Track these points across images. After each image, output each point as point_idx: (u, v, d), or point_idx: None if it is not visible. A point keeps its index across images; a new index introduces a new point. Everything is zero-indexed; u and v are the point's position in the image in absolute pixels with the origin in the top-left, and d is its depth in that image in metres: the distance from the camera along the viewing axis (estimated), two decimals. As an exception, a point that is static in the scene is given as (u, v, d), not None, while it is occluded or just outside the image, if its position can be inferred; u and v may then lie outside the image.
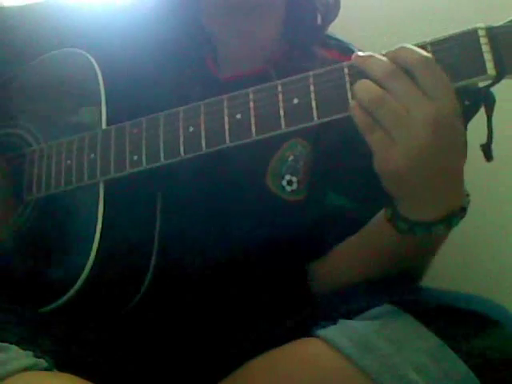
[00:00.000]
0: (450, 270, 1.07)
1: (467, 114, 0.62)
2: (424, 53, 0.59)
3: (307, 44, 0.85)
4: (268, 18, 0.84)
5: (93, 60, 0.79)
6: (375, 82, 0.59)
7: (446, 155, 0.61)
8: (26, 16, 0.88)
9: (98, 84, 0.78)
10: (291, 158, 0.81)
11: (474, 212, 1.03)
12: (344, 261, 0.80)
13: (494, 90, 0.60)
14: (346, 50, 0.86)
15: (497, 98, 0.61)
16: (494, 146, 0.63)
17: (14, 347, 0.64)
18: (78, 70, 0.80)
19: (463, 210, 0.67)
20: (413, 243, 0.70)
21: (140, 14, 0.86)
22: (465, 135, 0.63)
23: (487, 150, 0.62)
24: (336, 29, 0.89)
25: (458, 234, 1.04)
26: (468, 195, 0.68)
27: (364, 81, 0.60)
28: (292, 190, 0.81)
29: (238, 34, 0.83)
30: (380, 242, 0.74)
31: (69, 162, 0.77)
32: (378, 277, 0.76)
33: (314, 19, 0.86)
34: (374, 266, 0.77)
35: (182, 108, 0.71)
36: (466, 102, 0.61)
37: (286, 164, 0.81)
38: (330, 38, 0.89)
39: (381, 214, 0.72)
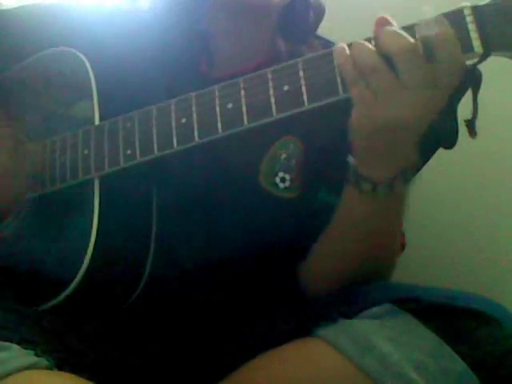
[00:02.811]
0: (449, 269, 1.08)
1: (456, 94, 0.63)
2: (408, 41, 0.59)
3: (299, 43, 0.86)
4: (265, 21, 0.84)
5: (84, 59, 0.79)
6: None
7: (423, 121, 0.62)
8: (22, 16, 0.88)
9: (90, 83, 0.78)
10: (284, 156, 0.81)
11: (474, 212, 1.03)
12: (323, 247, 0.80)
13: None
14: None
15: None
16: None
17: (15, 346, 0.64)
18: (70, 69, 0.81)
19: (416, 166, 0.69)
20: (377, 207, 0.71)
21: (136, 16, 0.87)
22: (455, 115, 0.64)
23: (471, 126, 0.63)
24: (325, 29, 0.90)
25: (458, 233, 1.05)
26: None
27: (365, 45, 0.61)
28: (285, 188, 0.81)
29: (234, 35, 0.84)
30: (349, 215, 0.74)
31: (63, 158, 0.78)
32: (356, 258, 0.76)
33: (307, 18, 0.87)
34: (349, 245, 0.76)
35: (173, 100, 0.71)
36: None
37: (279, 162, 0.81)
38: (319, 38, 0.89)
39: (346, 187, 0.72)
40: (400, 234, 0.80)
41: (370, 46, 0.61)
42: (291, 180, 0.81)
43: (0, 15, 0.89)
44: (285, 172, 0.81)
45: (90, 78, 0.78)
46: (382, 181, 0.68)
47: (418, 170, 0.71)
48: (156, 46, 0.82)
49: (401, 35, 0.59)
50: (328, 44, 0.86)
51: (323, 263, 0.80)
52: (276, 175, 0.81)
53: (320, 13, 0.87)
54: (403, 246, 0.84)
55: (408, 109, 0.60)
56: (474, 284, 0.94)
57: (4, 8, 0.89)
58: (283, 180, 0.81)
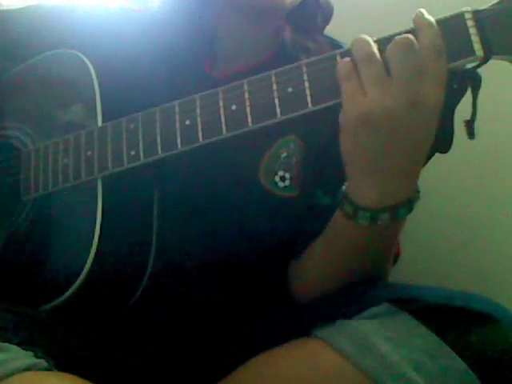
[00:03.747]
0: (449, 269, 1.07)
1: (456, 97, 0.64)
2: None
3: (311, 32, 0.87)
4: (272, 21, 0.85)
5: (86, 60, 0.80)
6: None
7: (411, 136, 0.62)
8: (24, 17, 0.88)
9: (93, 84, 0.78)
10: (284, 154, 0.82)
11: (475, 211, 1.04)
12: (312, 257, 0.80)
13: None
14: (337, 49, 0.88)
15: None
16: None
17: (14, 347, 0.64)
18: (72, 71, 0.81)
19: (410, 204, 0.68)
20: (362, 232, 0.70)
21: (138, 17, 0.87)
22: (451, 120, 0.65)
23: (470, 127, 0.64)
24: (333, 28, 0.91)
25: (458, 233, 1.05)
26: (419, 191, 0.69)
27: (363, 38, 0.62)
28: (285, 186, 0.82)
29: (240, 36, 0.84)
30: (335, 234, 0.75)
31: (66, 160, 0.78)
32: (343, 274, 0.76)
33: (316, 16, 0.88)
34: (334, 261, 0.77)
35: (177, 102, 0.72)
36: (455, 86, 0.63)
37: (279, 160, 0.82)
38: (325, 36, 0.90)
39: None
40: (393, 252, 0.79)
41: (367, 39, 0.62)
42: (291, 179, 0.82)
43: (1, 15, 0.89)
44: (285, 171, 0.82)
45: (92, 80, 0.78)
46: (364, 208, 0.67)
47: (411, 208, 0.68)
48: (159, 46, 0.83)
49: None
50: (334, 43, 0.87)
51: (310, 272, 0.81)
52: (276, 174, 0.82)
53: (328, 13, 0.88)
54: (397, 255, 0.83)
55: (391, 98, 0.61)
56: (474, 284, 0.95)
57: (6, 9, 0.89)
58: (283, 179, 0.82)
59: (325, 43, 0.86)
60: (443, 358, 0.63)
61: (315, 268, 0.80)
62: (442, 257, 0.94)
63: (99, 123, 0.77)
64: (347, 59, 0.63)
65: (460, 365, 0.63)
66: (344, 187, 0.70)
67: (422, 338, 0.65)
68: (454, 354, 0.63)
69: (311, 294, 0.79)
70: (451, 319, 0.66)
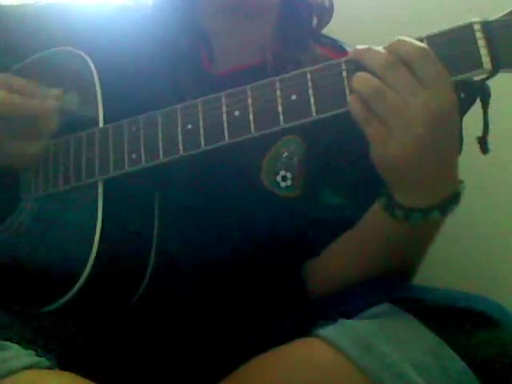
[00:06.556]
0: (449, 269, 1.07)
1: (463, 107, 0.63)
2: (421, 44, 0.60)
3: (302, 41, 0.86)
4: (264, 18, 0.84)
5: (87, 58, 0.78)
6: (373, 74, 0.61)
7: (442, 144, 0.62)
8: (24, 14, 0.87)
9: (94, 83, 0.77)
10: (286, 154, 0.81)
11: (474, 211, 1.04)
12: (341, 257, 0.80)
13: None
14: (339, 49, 0.87)
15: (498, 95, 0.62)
16: (494, 145, 0.63)
17: (15, 346, 0.64)
18: (72, 69, 0.80)
19: (457, 196, 0.68)
20: (408, 231, 0.70)
21: (137, 14, 0.86)
22: (460, 125, 0.64)
23: (483, 143, 0.63)
24: (332, 29, 0.90)
25: (458, 232, 1.05)
26: (462, 182, 0.69)
27: (362, 73, 0.61)
28: (287, 186, 0.81)
29: (234, 32, 0.83)
30: (376, 233, 0.74)
31: (66, 161, 0.77)
32: (377, 271, 0.76)
33: (309, 21, 0.87)
34: (371, 259, 0.77)
35: (179, 106, 0.71)
36: (462, 95, 0.63)
37: (281, 160, 0.81)
38: (325, 37, 0.89)
39: (375, 205, 0.72)
40: (426, 254, 0.79)
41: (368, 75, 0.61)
42: (293, 179, 0.81)
43: (1, 10, 0.88)
44: (286, 170, 0.81)
45: (93, 78, 0.77)
46: (415, 208, 0.67)
47: (458, 201, 0.69)
48: (158, 44, 0.82)
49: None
50: (335, 43, 0.86)
51: (337, 268, 0.81)
52: (277, 174, 0.81)
53: (325, 14, 0.86)
54: None
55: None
56: (474, 284, 0.95)
57: (5, 5, 0.88)
58: (284, 179, 0.81)
59: (328, 44, 0.85)
60: (443, 358, 0.63)
61: (340, 262, 0.80)
62: (443, 257, 0.94)
63: (100, 121, 0.76)
64: (356, 101, 0.61)
65: (460, 365, 0.62)
66: (383, 193, 0.69)
67: (423, 338, 0.65)
68: (454, 355, 0.63)
69: (329, 287, 0.79)
70: (452, 320, 0.66)
